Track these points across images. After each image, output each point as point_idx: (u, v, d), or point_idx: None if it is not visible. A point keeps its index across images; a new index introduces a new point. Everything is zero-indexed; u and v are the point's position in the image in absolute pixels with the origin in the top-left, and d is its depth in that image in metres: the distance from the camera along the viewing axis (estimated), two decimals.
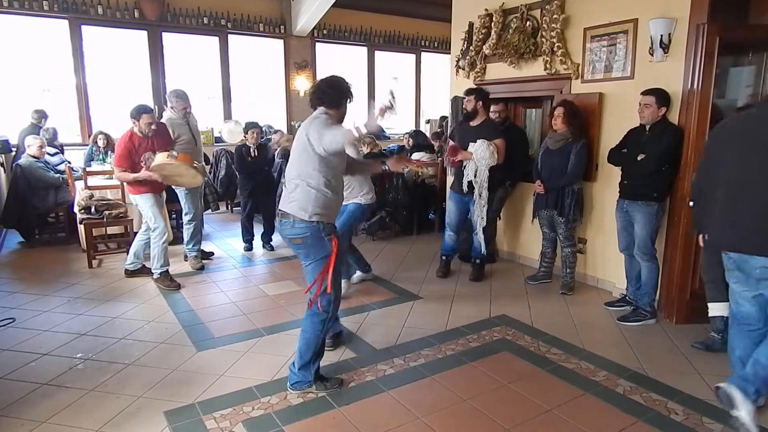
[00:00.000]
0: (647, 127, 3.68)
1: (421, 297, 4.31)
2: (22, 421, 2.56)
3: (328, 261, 2.72)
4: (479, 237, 4.53)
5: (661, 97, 3.59)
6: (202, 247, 5.39)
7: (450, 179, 5.09)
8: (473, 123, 4.48)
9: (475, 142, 4.32)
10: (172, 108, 4.80)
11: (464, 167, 4.45)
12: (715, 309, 3.35)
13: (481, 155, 4.25)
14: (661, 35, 3.69)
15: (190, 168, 4.14)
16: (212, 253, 5.39)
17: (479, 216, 4.43)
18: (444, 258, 4.87)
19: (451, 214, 4.76)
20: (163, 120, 4.82)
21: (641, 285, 3.82)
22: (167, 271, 4.47)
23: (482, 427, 2.55)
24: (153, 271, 4.47)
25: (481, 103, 4.41)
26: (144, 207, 4.36)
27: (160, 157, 4.03)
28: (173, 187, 4.76)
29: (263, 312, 3.96)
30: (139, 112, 4.22)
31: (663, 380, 2.97)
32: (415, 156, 6.59)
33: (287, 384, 2.85)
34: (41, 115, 6.75)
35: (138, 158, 4.20)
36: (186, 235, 5.01)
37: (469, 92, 4.51)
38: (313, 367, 2.83)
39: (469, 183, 4.40)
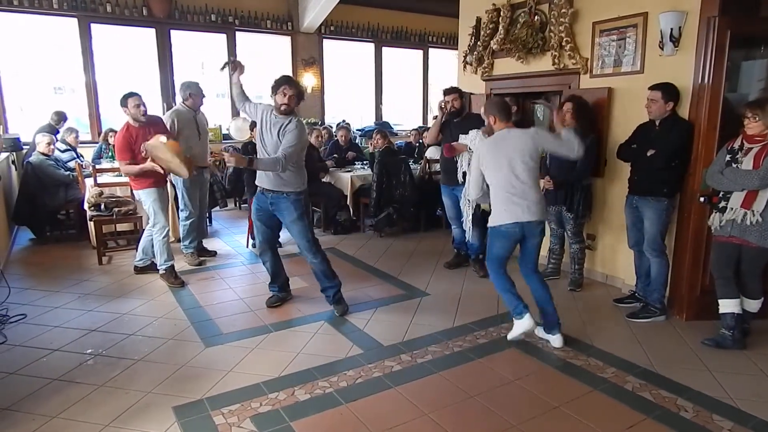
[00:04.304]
0: (657, 123, 3.64)
1: (429, 293, 4.30)
2: (33, 415, 2.58)
3: None
4: (467, 224, 4.52)
5: (668, 92, 3.55)
6: (207, 246, 5.43)
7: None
8: (456, 118, 4.57)
9: (467, 134, 4.32)
10: (184, 100, 4.86)
11: (457, 159, 4.46)
12: (726, 306, 3.32)
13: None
14: (671, 29, 3.64)
15: (175, 157, 4.03)
16: (215, 252, 5.39)
17: (467, 200, 4.43)
18: (456, 250, 5.01)
19: (449, 208, 4.83)
20: (171, 111, 4.88)
21: (651, 281, 3.79)
22: (172, 266, 4.49)
23: (490, 424, 2.54)
24: (158, 267, 4.50)
25: (465, 99, 4.63)
26: (146, 202, 4.39)
27: (155, 138, 4.06)
28: (173, 182, 4.79)
29: (271, 308, 3.97)
30: (125, 98, 4.27)
31: (672, 377, 2.95)
32: (429, 152, 6.56)
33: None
34: (60, 117, 6.80)
35: (137, 148, 4.22)
36: (182, 232, 5.04)
37: (451, 91, 4.61)
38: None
39: (464, 173, 4.42)
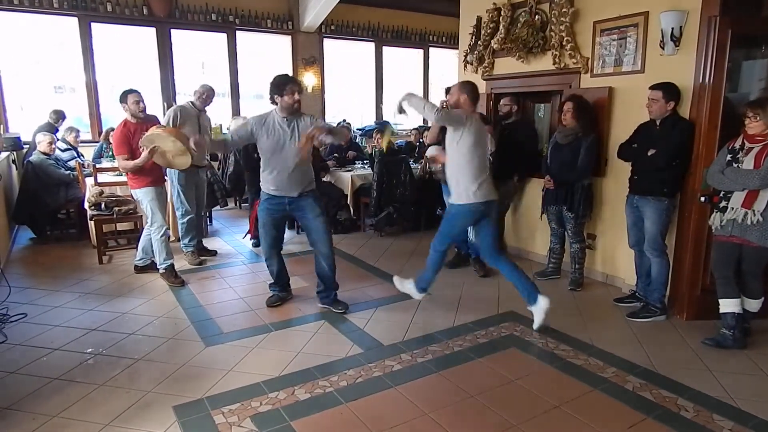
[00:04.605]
0: (658, 122, 3.64)
1: (429, 292, 4.29)
2: (34, 415, 2.58)
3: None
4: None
5: (669, 91, 3.54)
6: (208, 245, 5.43)
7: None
8: None
9: None
10: (193, 98, 4.97)
11: None
12: (727, 305, 3.32)
13: None
14: (672, 28, 3.64)
15: (177, 141, 4.01)
16: (215, 252, 5.40)
17: None
18: (456, 250, 4.99)
19: None
20: (176, 106, 4.94)
21: (651, 281, 3.79)
22: (172, 265, 4.50)
23: (490, 423, 2.54)
24: (158, 266, 4.50)
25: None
26: (143, 201, 4.40)
27: (151, 130, 4.05)
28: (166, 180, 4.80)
29: (271, 308, 3.97)
30: (125, 94, 4.31)
31: (673, 377, 2.95)
32: (430, 152, 6.55)
33: None
34: (59, 116, 6.79)
35: (135, 144, 4.24)
36: (180, 231, 5.05)
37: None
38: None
39: None
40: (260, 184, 3.80)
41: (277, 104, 3.60)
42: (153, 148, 4.05)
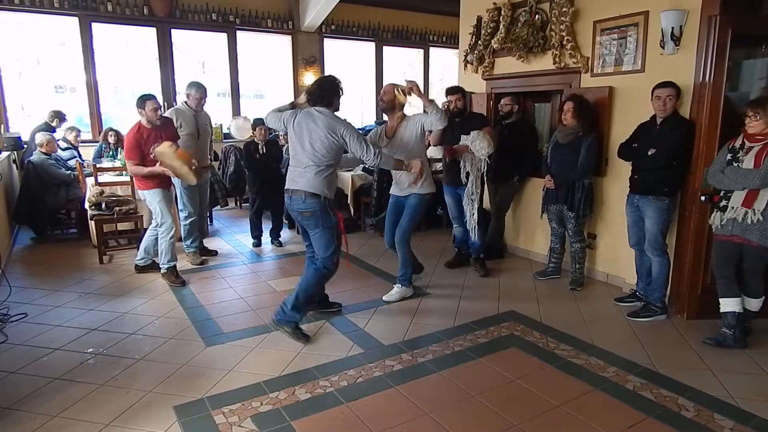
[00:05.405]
0: (658, 122, 3.64)
1: (429, 293, 4.30)
2: (35, 414, 2.59)
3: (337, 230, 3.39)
4: (471, 223, 4.53)
5: (678, 88, 3.56)
6: (208, 245, 5.43)
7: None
8: (458, 118, 4.57)
9: (468, 134, 4.33)
10: (186, 99, 4.94)
11: (460, 160, 4.46)
12: (727, 305, 3.32)
13: (479, 145, 4.25)
14: (673, 27, 3.64)
15: (184, 166, 4.08)
16: (216, 252, 5.39)
17: (470, 200, 4.45)
18: (457, 249, 5.01)
19: (451, 208, 4.83)
20: (171, 109, 4.93)
21: (652, 280, 3.79)
22: (174, 266, 4.50)
23: (491, 423, 2.54)
24: (161, 266, 4.50)
25: (467, 98, 4.73)
26: (152, 202, 4.39)
27: (165, 145, 4.06)
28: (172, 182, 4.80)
29: (272, 308, 3.94)
30: (143, 100, 4.25)
31: (674, 376, 2.95)
32: (429, 153, 6.57)
33: (273, 317, 3.43)
34: (56, 116, 6.78)
35: (147, 150, 4.22)
36: (183, 232, 5.04)
37: (455, 90, 4.60)
38: (302, 312, 3.41)
39: (467, 173, 4.43)
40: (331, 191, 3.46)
41: (330, 106, 3.39)
42: (162, 162, 4.10)
